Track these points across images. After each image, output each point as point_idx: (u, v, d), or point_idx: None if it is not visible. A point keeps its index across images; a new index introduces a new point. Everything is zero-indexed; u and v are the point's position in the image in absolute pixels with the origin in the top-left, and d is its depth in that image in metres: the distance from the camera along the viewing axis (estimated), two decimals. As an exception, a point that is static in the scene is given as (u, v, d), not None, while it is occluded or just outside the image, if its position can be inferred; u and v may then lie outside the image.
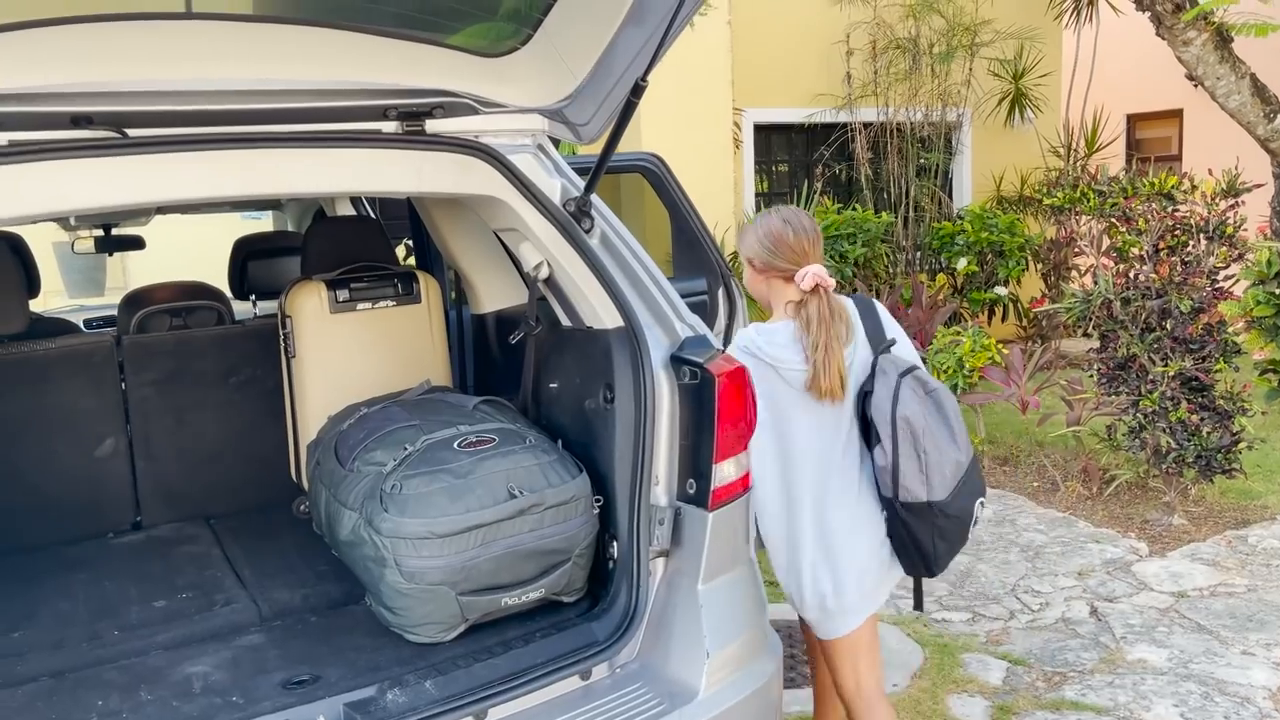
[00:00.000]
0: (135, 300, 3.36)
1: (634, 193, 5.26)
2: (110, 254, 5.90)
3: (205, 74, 2.18)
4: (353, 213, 4.77)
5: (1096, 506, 5.70)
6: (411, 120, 2.40)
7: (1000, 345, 6.40)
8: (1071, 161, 10.45)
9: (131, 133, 2.11)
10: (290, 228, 5.93)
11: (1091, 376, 5.77)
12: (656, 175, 4.35)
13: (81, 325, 4.74)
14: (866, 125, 9.85)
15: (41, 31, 1.99)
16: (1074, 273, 9.44)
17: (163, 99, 2.15)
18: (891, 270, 9.34)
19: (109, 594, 2.70)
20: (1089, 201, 6.24)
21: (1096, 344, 5.72)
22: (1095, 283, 5.61)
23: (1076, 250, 9.14)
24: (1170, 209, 5.61)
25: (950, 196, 10.51)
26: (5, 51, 1.96)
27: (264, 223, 6.44)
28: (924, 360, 6.29)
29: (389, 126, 2.40)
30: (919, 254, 9.68)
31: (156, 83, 2.14)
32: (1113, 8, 10.18)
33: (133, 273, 7.37)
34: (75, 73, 2.04)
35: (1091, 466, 5.90)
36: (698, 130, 8.51)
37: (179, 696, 2.18)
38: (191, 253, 5.91)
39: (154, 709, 2.14)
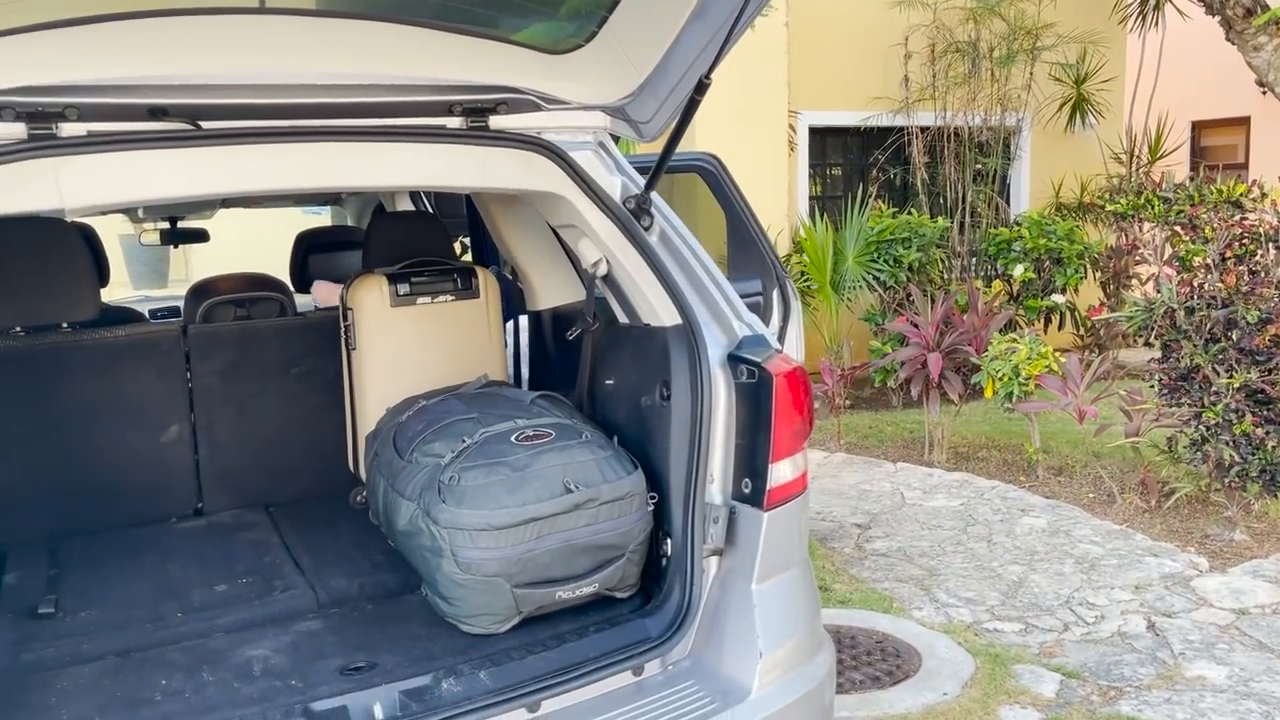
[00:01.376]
0: (201, 291, 3.43)
1: (686, 193, 5.27)
2: (175, 246, 6.03)
3: (276, 68, 2.22)
4: (412, 208, 4.83)
5: (1155, 520, 5.59)
6: (476, 116, 2.43)
7: (1057, 353, 6.29)
8: (1134, 168, 10.26)
9: (205, 125, 2.16)
10: (350, 222, 6.01)
11: (1152, 387, 5.65)
12: (714, 175, 4.35)
13: (147, 315, 4.85)
14: (923, 129, 9.75)
15: (120, 25, 2.05)
16: (1134, 281, 9.26)
17: (235, 92, 2.20)
18: (946, 276, 9.23)
19: (172, 577, 2.76)
20: (1153, 209, 6.12)
21: (1158, 354, 5.60)
22: (1158, 291, 5.50)
23: (1138, 258, 8.96)
24: (1238, 217, 5.48)
25: (1008, 202, 10.37)
26: (86, 44, 2.02)
27: (323, 217, 6.54)
28: (979, 367, 6.26)
29: (453, 122, 2.42)
30: (974, 260, 9.55)
31: (229, 76, 2.19)
32: (1179, 12, 9.98)
33: (194, 265, 7.55)
34: (152, 66, 2.10)
35: (1150, 479, 5.78)
36: (753, 132, 8.48)
37: (240, 678, 2.22)
38: (251, 245, 6.04)
39: (216, 690, 2.18)
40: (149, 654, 2.35)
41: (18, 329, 3.03)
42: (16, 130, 2.01)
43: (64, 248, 2.99)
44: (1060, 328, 9.34)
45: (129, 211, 5.11)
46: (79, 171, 2.04)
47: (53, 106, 2.02)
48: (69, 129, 2.05)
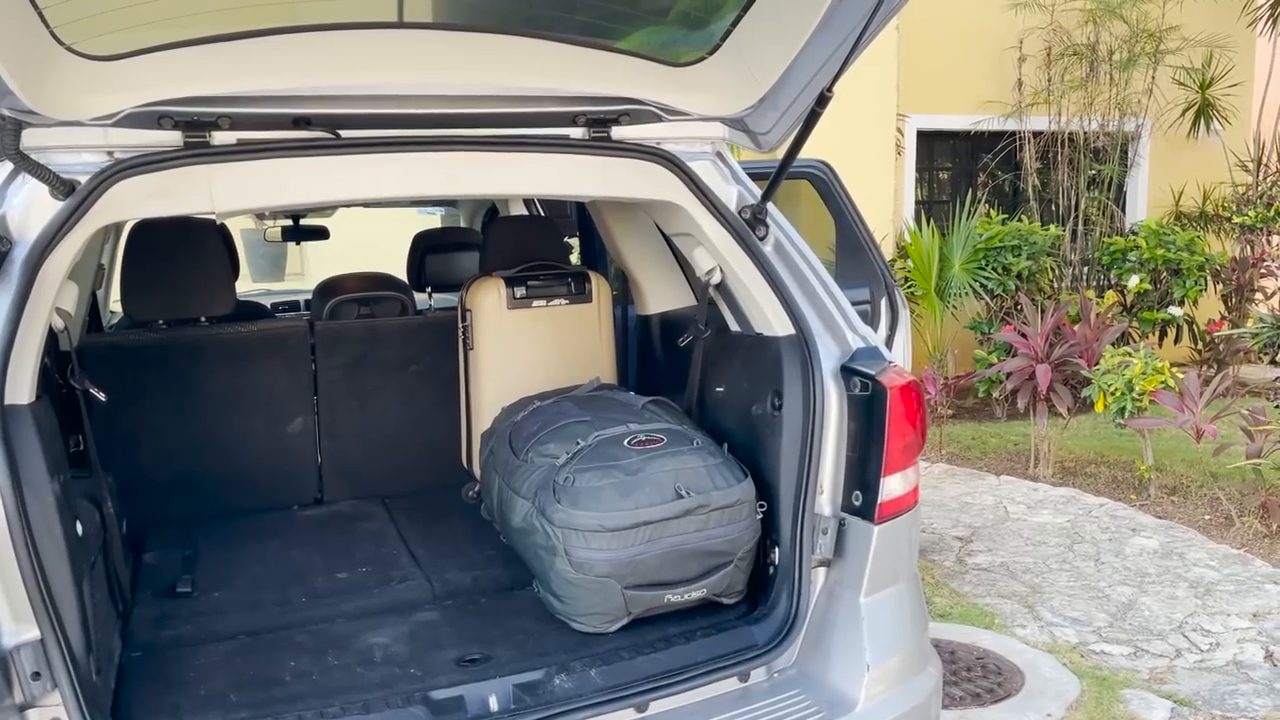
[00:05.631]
0: (328, 289, 3.57)
1: (789, 199, 5.26)
2: (298, 243, 6.25)
3: (411, 80, 2.31)
4: (524, 211, 4.93)
5: (1275, 545, 5.36)
6: (599, 127, 2.48)
7: (1174, 369, 6.07)
8: (1261, 177, 9.82)
9: (344, 134, 2.26)
10: (463, 223, 6.16)
11: (1277, 407, 5.42)
12: (824, 182, 4.33)
13: (269, 308, 5.06)
14: (1036, 134, 9.51)
15: (268, 40, 2.16)
16: (1259, 295, 8.87)
17: (373, 103, 2.29)
18: (1057, 285, 8.98)
19: (296, 562, 2.89)
20: (1283, 221, 5.86)
21: (1284, 373, 5.38)
22: (1286, 308, 5.27)
23: (1264, 271, 8.57)
24: (1377, 232, 5.22)
25: (1123, 210, 10.03)
26: (236, 58, 2.14)
27: (436, 218, 6.71)
28: (1090, 380, 6.08)
29: (577, 132, 2.48)
30: (1087, 269, 9.27)
31: (368, 88, 2.29)
32: (1315, 14, 9.52)
33: (310, 260, 7.82)
34: (297, 78, 2.20)
35: (1272, 502, 5.54)
36: (860, 136, 8.38)
37: (362, 664, 2.32)
38: (364, 242, 6.23)
39: (341, 673, 2.28)
40: (278, 635, 2.47)
41: (160, 322, 3.21)
42: (174, 138, 2.14)
43: (205, 247, 3.15)
44: (1176, 341, 9.01)
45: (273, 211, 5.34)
46: (229, 177, 2.16)
47: (207, 116, 2.15)
48: (221, 137, 2.17)
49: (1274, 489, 5.68)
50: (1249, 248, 8.86)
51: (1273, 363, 5.80)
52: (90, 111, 2.05)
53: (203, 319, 3.25)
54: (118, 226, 3.95)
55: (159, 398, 3.17)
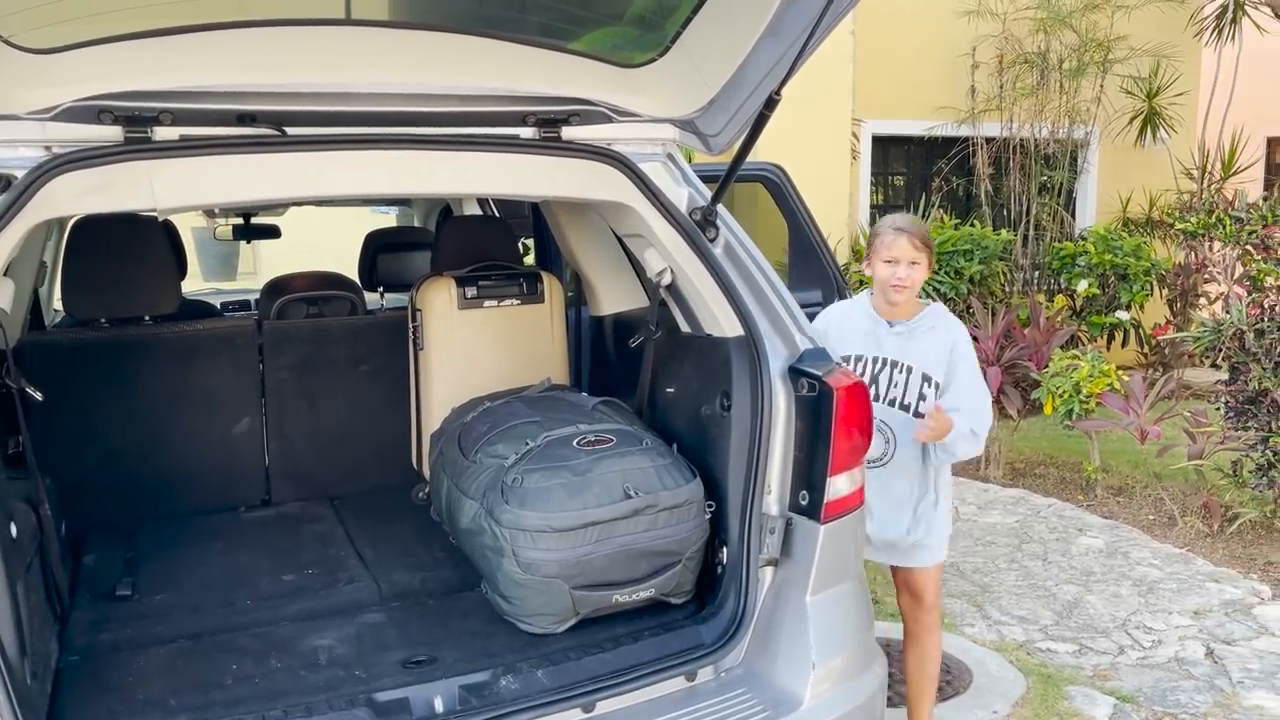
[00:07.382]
0: (276, 288, 3.53)
1: (745, 202, 5.29)
2: (249, 241, 6.18)
3: (359, 78, 2.29)
4: (479, 211, 4.91)
5: (1216, 544, 5.48)
6: (549, 127, 2.48)
7: (1120, 372, 6.19)
8: (1205, 185, 10.04)
9: (291, 131, 2.24)
10: (416, 223, 6.11)
11: (1218, 409, 5.55)
12: (777, 186, 4.36)
13: (219, 308, 4.99)
14: (989, 140, 9.65)
15: (212, 34, 2.13)
16: (1202, 300, 9.07)
17: (320, 100, 2.27)
18: (1008, 289, 9.11)
19: (242, 565, 2.85)
20: (1225, 228, 6.01)
21: (1225, 376, 5.50)
22: (1227, 312, 5.40)
23: (1207, 277, 8.76)
24: (1313, 239, 5.36)
25: (1073, 216, 10.20)
26: (180, 52, 2.11)
27: (390, 217, 6.66)
28: (1039, 383, 6.18)
29: (527, 132, 2.48)
30: (1037, 274, 9.42)
31: (314, 85, 2.26)
32: (1257, 26, 9.75)
33: (263, 259, 7.72)
34: (242, 74, 2.18)
35: (1213, 503, 5.67)
36: (816, 140, 8.45)
37: (306, 667, 2.30)
38: (318, 241, 6.17)
39: (284, 676, 2.25)
40: (220, 639, 2.44)
41: (102, 321, 3.15)
42: (114, 133, 2.10)
43: (149, 244, 3.10)
44: (1124, 345, 9.18)
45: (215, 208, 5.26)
46: (171, 174, 2.13)
47: (148, 111, 2.11)
48: (163, 133, 2.14)
49: (1215, 489, 5.81)
50: (1193, 253, 9.05)
51: (1214, 366, 5.93)
52: (27, 105, 2.01)
53: (147, 318, 3.20)
54: (60, 223, 3.88)
55: (101, 398, 3.11)
